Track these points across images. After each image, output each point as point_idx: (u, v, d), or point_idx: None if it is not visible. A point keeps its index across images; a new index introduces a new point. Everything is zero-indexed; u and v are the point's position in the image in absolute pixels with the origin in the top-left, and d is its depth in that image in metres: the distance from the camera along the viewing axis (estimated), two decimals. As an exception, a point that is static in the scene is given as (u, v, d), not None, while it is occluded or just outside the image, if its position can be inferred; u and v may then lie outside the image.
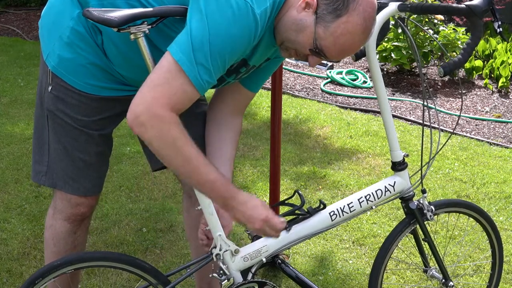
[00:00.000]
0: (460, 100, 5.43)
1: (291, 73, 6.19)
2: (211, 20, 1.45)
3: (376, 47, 1.80)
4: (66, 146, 1.85)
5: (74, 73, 1.75)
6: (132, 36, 1.60)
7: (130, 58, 1.70)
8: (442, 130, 4.62)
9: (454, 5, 1.61)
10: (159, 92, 1.47)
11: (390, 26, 2.09)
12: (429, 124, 1.93)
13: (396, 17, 1.80)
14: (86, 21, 1.70)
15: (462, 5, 1.57)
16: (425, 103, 1.91)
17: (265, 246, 1.82)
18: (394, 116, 4.99)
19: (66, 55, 1.74)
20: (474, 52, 6.06)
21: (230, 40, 1.48)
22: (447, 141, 2.11)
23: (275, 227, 1.69)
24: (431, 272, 2.13)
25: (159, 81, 1.48)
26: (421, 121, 4.49)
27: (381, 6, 1.77)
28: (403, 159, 1.93)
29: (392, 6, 1.76)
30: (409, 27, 5.30)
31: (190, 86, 1.49)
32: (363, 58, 1.92)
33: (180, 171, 1.61)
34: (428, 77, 5.96)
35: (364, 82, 5.81)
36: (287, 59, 6.47)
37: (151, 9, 1.60)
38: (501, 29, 1.56)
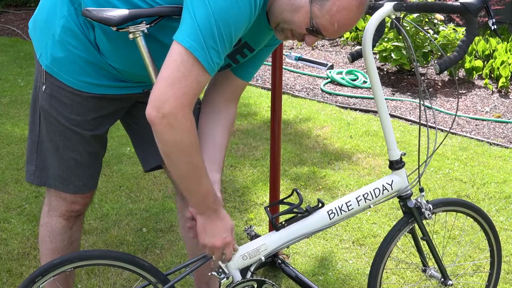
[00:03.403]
0: (461, 100, 5.43)
1: (291, 73, 6.20)
2: (212, 1, 1.45)
3: (373, 48, 1.81)
4: (57, 145, 1.85)
5: (67, 71, 1.75)
6: (130, 36, 1.60)
7: (124, 52, 1.70)
8: (441, 130, 4.62)
9: (449, 3, 1.61)
10: (178, 88, 1.47)
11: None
12: (426, 123, 1.93)
13: (392, 17, 1.80)
14: (78, 17, 1.70)
15: (457, 3, 1.57)
16: (422, 103, 1.91)
17: (263, 244, 1.83)
18: (394, 116, 4.99)
19: (59, 53, 1.74)
20: (474, 52, 6.08)
21: (235, 19, 1.48)
22: (443, 139, 2.11)
23: (228, 254, 1.76)
24: (430, 272, 2.13)
25: (176, 75, 1.47)
26: (422, 122, 4.50)
27: (377, 6, 1.78)
28: (400, 158, 1.93)
29: (388, 6, 1.76)
30: (408, 27, 5.31)
31: (204, 75, 1.49)
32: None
33: (183, 176, 1.61)
34: (428, 77, 5.96)
35: (364, 82, 5.82)
36: (287, 60, 6.48)
37: (150, 8, 1.61)
38: (495, 26, 1.57)
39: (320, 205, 1.86)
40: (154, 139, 1.98)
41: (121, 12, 1.57)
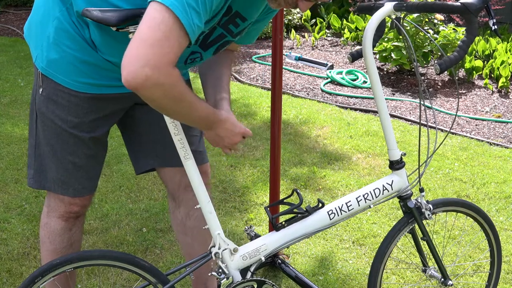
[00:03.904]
0: (461, 100, 5.43)
1: (291, 73, 6.20)
2: None
3: (373, 48, 1.81)
4: (55, 148, 1.85)
5: (64, 72, 1.75)
6: (130, 36, 1.60)
7: (121, 45, 1.69)
8: (442, 130, 4.62)
9: (450, 3, 1.61)
10: (159, 48, 1.39)
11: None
12: (426, 123, 1.93)
13: (392, 17, 1.80)
14: (70, 17, 1.70)
15: (457, 3, 1.57)
16: (423, 103, 1.91)
17: (264, 245, 1.83)
18: (394, 116, 4.99)
19: (54, 55, 1.74)
20: (474, 52, 6.08)
21: None
22: (444, 140, 2.11)
23: (248, 134, 1.79)
24: (430, 272, 2.13)
25: (156, 36, 1.39)
26: (422, 122, 4.50)
27: (377, 6, 1.78)
28: (401, 158, 1.93)
29: (388, 6, 1.76)
30: (408, 27, 5.31)
31: (185, 36, 1.44)
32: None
33: (182, 117, 1.63)
34: (428, 77, 5.96)
35: (364, 82, 5.82)
36: (287, 60, 6.48)
37: None
38: (496, 26, 1.57)
39: (320, 205, 1.86)
40: (146, 143, 1.98)
41: (121, 12, 1.57)
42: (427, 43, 5.61)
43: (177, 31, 1.41)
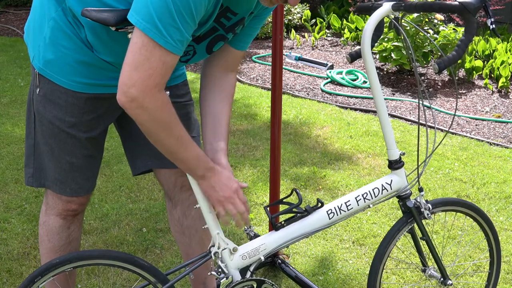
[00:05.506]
0: (461, 100, 5.43)
1: (291, 73, 6.20)
2: None
3: (372, 48, 1.81)
4: (53, 148, 1.85)
5: (61, 72, 1.76)
6: (129, 36, 1.60)
7: (115, 47, 1.70)
8: (441, 130, 4.62)
9: (448, 2, 1.61)
10: (143, 71, 1.48)
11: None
12: (425, 123, 1.93)
13: (391, 17, 1.80)
14: (66, 17, 1.70)
15: (456, 3, 1.57)
16: (421, 102, 1.91)
17: (263, 244, 1.83)
18: (394, 116, 4.99)
19: (51, 55, 1.75)
20: (474, 52, 6.08)
21: None
22: (443, 139, 2.11)
23: (241, 199, 1.77)
24: (429, 272, 2.13)
25: (139, 59, 1.48)
26: (421, 121, 4.49)
27: (376, 6, 1.78)
28: (400, 157, 1.93)
29: (386, 6, 1.76)
30: (408, 27, 5.31)
31: (167, 55, 1.49)
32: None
33: (169, 150, 1.64)
34: (428, 77, 5.96)
35: (364, 82, 5.82)
36: (287, 60, 6.48)
37: None
38: (494, 25, 1.57)
39: (319, 205, 1.86)
40: (143, 144, 1.98)
41: (120, 12, 1.57)
42: (427, 43, 5.61)
43: (157, 52, 1.47)
